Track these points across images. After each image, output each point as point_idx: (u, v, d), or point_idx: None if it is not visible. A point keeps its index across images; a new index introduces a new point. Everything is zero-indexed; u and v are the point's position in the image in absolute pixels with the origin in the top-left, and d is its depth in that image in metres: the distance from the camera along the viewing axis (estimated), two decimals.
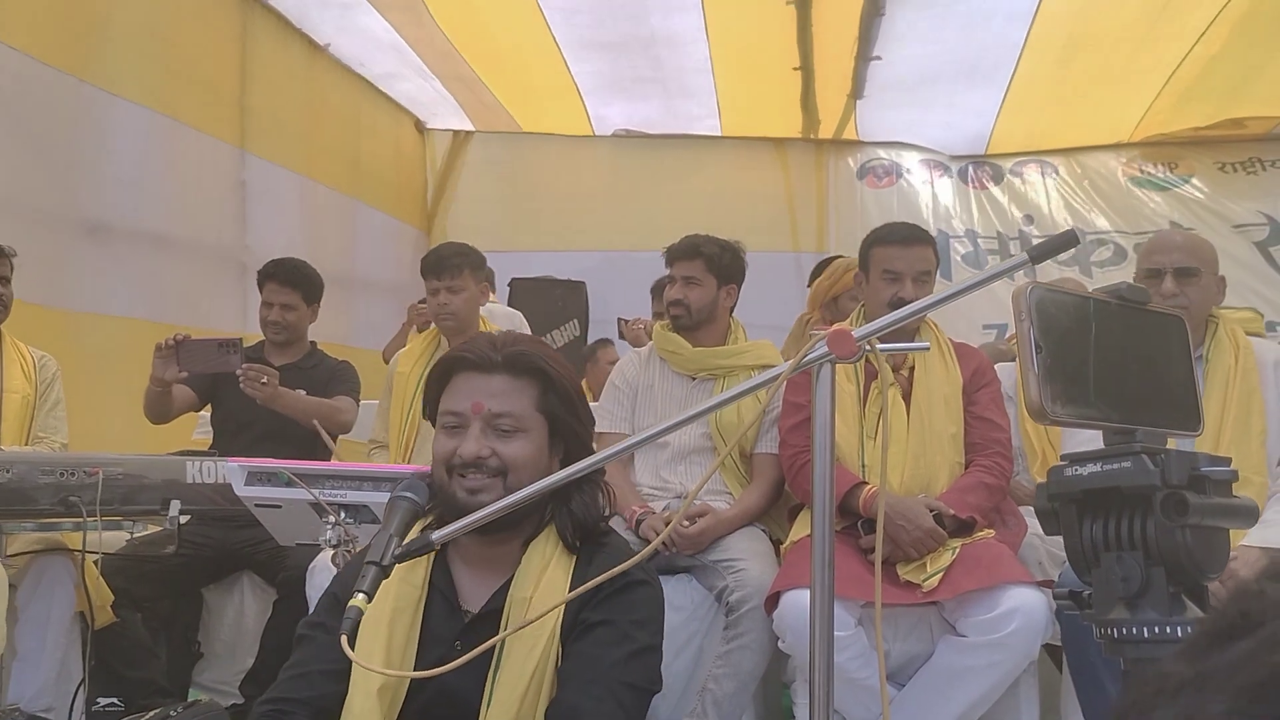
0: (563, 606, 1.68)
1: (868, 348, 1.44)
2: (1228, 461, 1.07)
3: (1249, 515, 1.07)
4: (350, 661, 1.68)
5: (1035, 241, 7.83)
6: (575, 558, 1.77)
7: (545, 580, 1.73)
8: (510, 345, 1.80)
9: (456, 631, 1.74)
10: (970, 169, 8.13)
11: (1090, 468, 1.08)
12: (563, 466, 1.77)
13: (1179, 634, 1.01)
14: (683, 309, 3.27)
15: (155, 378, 3.53)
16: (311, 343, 4.01)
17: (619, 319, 5.90)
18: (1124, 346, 1.15)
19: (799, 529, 2.85)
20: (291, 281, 3.87)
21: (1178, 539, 1.03)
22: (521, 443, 1.76)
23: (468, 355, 1.79)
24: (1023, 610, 2.48)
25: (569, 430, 1.82)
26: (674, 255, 3.33)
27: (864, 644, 2.58)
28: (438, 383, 1.82)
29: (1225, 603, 0.51)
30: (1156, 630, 1.02)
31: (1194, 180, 7.74)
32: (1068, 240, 1.31)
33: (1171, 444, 1.10)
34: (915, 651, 2.65)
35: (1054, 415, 1.07)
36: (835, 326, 1.51)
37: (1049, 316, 1.09)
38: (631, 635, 1.70)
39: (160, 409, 3.67)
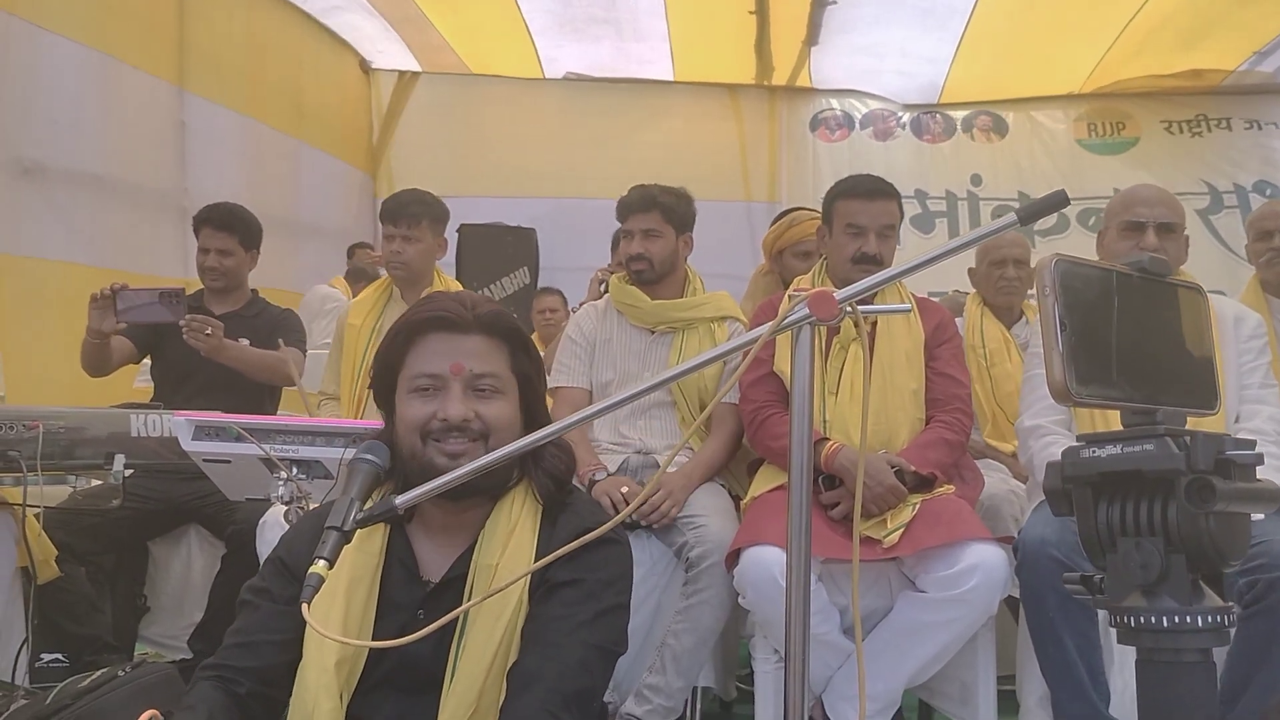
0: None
1: (849, 310, 1.40)
2: (1252, 445, 1.03)
3: (1273, 499, 1.04)
4: (298, 631, 1.62)
5: (983, 202, 7.85)
6: (540, 519, 1.73)
7: (512, 544, 1.67)
8: (482, 304, 1.74)
9: (419, 600, 1.68)
10: (922, 118, 8.10)
11: (1109, 449, 1.03)
12: (525, 427, 1.73)
13: (1199, 623, 0.98)
14: (646, 263, 3.17)
15: (92, 329, 3.40)
16: (253, 290, 3.90)
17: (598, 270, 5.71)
18: (1146, 322, 1.10)
19: (759, 484, 2.83)
20: (227, 226, 3.74)
21: (1201, 525, 0.99)
22: (501, 404, 1.70)
23: (443, 314, 1.69)
24: (983, 567, 2.48)
25: (535, 392, 1.78)
26: (629, 208, 3.20)
27: (824, 599, 2.57)
28: (401, 344, 1.72)
29: None
30: (1176, 620, 0.98)
31: (1140, 144, 7.77)
32: (1057, 200, 1.28)
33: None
34: (875, 607, 2.65)
35: (1078, 396, 1.03)
36: (817, 289, 1.47)
37: (1073, 291, 1.04)
38: (598, 595, 1.65)
39: (98, 361, 3.54)
